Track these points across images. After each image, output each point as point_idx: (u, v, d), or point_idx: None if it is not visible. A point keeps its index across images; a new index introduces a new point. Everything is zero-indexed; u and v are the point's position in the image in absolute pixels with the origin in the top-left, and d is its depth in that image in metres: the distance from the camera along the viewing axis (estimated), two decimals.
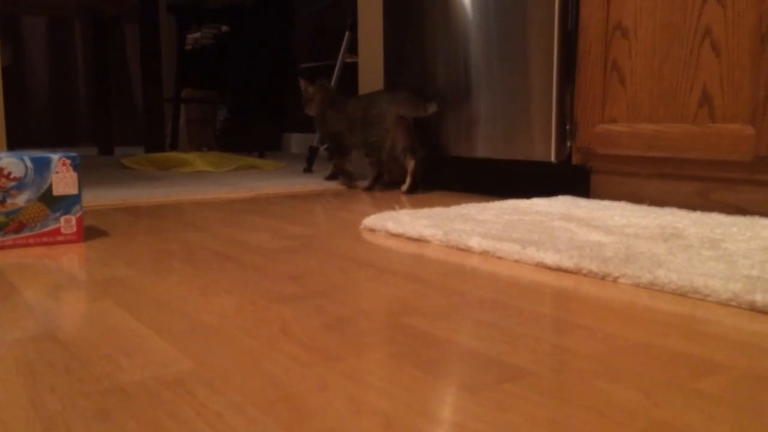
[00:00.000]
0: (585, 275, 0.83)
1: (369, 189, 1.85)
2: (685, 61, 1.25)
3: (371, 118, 1.80)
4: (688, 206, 1.31)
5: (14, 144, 3.79)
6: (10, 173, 1.01)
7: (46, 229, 1.04)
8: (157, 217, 1.36)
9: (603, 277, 0.81)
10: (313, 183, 1.96)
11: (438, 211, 1.25)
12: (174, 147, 3.61)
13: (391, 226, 1.12)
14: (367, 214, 1.31)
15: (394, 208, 1.39)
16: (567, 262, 0.85)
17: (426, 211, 1.26)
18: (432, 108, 1.73)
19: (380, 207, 1.49)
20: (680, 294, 0.74)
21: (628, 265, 0.80)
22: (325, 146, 2.09)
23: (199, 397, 0.47)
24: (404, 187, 1.78)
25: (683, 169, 1.32)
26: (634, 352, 0.56)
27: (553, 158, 1.49)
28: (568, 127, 1.48)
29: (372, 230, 1.16)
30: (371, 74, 2.03)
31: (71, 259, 0.96)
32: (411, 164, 1.76)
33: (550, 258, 0.87)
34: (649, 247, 0.90)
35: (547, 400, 0.46)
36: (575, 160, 1.48)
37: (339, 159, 1.95)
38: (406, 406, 0.45)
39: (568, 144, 1.49)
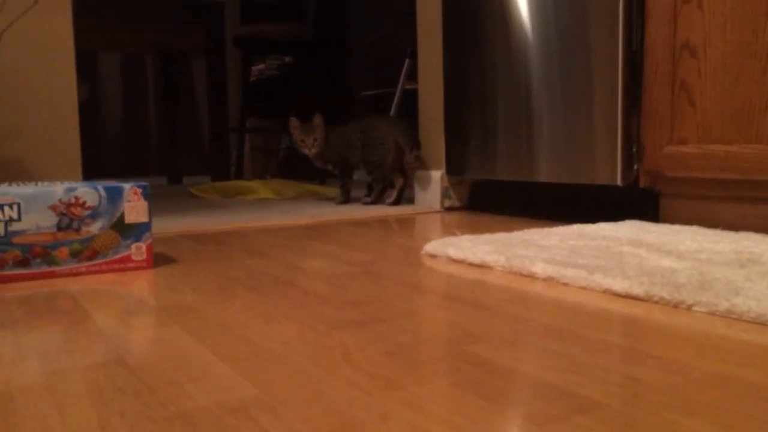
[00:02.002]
0: (656, 303, 0.79)
1: (395, 203, 2.07)
2: (758, 80, 1.20)
3: (373, 139, 2.06)
4: (765, 230, 1.25)
5: (89, 174, 3.97)
6: (85, 202, 1.05)
7: (117, 256, 1.08)
8: (222, 243, 1.39)
9: (676, 305, 0.77)
10: (375, 209, 1.97)
11: (500, 237, 1.23)
12: (239, 175, 3.70)
13: (453, 251, 1.11)
14: (427, 240, 1.30)
15: (455, 234, 1.38)
16: (637, 289, 0.82)
17: (488, 236, 1.24)
18: (415, 153, 2.00)
19: (441, 233, 1.48)
20: (760, 323, 0.70)
21: (703, 293, 0.76)
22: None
23: (261, 423, 0.47)
24: (389, 200, 2.07)
25: (758, 192, 1.26)
26: (711, 384, 0.53)
27: (619, 182, 1.45)
28: (634, 150, 1.45)
29: (433, 256, 1.16)
30: (431, 100, 2.03)
31: (141, 285, 0.98)
32: (400, 182, 2.08)
33: (618, 285, 0.84)
34: (725, 274, 0.86)
35: None
36: (643, 183, 1.44)
37: (348, 179, 2.18)
38: None
39: (635, 167, 1.45)
